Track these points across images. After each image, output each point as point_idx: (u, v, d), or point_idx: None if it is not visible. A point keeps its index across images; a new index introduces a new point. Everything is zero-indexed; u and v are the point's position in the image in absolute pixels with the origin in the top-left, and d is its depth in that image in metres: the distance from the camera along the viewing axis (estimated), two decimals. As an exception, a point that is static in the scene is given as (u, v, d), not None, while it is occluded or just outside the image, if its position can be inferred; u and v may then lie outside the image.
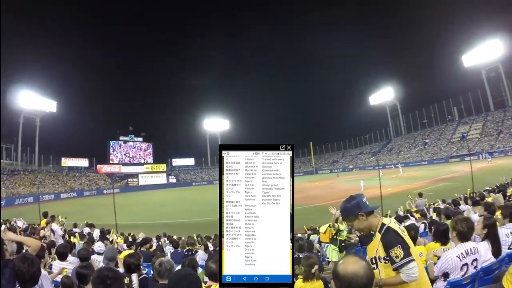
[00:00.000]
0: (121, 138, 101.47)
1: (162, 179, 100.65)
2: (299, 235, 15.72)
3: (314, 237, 14.55)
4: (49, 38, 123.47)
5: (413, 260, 3.18)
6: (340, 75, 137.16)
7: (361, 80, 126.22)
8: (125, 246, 12.86)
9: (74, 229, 17.81)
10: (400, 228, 3.38)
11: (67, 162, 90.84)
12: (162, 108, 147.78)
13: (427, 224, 9.19)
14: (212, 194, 53.53)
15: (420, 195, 18.57)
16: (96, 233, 14.21)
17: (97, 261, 7.01)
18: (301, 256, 7.52)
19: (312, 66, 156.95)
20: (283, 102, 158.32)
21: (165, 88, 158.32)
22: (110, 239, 14.60)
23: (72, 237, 13.64)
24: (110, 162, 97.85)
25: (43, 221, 14.69)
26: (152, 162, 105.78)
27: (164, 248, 12.77)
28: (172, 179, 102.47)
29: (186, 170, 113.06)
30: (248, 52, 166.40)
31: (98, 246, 8.49)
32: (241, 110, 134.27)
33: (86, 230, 18.25)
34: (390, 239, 3.34)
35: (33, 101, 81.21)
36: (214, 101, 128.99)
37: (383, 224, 3.39)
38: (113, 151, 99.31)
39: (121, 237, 19.26)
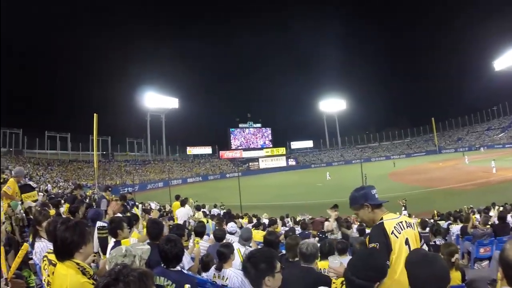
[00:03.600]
0: (240, 125, 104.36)
1: (281, 162, 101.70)
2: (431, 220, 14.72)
3: (442, 224, 13.46)
4: (166, 39, 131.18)
5: None
6: (460, 39, 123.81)
7: (484, 43, 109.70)
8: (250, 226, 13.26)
9: (202, 209, 18.68)
10: (398, 229, 3.19)
11: (192, 150, 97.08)
12: (278, 92, 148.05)
13: None
14: (331, 176, 53.29)
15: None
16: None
17: (231, 241, 7.33)
18: (437, 242, 7.22)
19: (428, 33, 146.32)
20: (401, 77, 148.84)
21: (279, 73, 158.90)
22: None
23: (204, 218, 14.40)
24: (232, 148, 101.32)
25: (175, 203, 15.67)
26: (271, 146, 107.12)
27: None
28: (292, 162, 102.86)
29: (305, 152, 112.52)
30: (365, 28, 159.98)
31: (231, 226, 8.87)
32: (358, 89, 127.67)
33: (215, 211, 19.08)
34: (373, 234, 3.33)
35: (157, 100, 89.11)
36: (330, 81, 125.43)
37: (381, 219, 3.29)
38: (234, 138, 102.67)
39: (246, 217, 19.92)
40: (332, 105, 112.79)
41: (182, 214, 13.92)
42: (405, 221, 3.29)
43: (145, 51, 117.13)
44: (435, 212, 17.73)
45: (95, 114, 48.57)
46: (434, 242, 7.38)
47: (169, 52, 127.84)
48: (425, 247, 3.50)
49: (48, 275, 3.22)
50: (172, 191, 30.33)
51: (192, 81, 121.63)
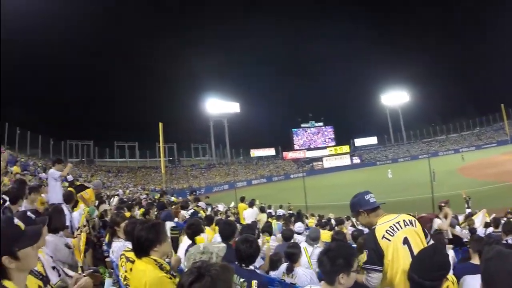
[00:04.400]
0: (302, 125, 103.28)
1: (346, 160, 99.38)
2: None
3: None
4: (224, 45, 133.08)
5: (375, 271, 3.24)
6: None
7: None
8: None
9: (269, 210, 18.81)
10: (390, 232, 3.26)
11: (255, 153, 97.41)
12: (338, 89, 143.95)
13: None
14: (396, 174, 51.96)
15: None
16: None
17: (299, 240, 7.34)
18: (510, 241, 6.82)
19: (491, 15, 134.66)
20: (466, 63, 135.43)
21: (338, 69, 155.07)
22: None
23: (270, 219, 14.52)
24: (295, 149, 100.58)
25: (241, 205, 15.91)
26: (334, 144, 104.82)
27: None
28: (356, 160, 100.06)
29: (369, 149, 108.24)
30: (425, 14, 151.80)
31: (298, 226, 8.92)
32: (420, 79, 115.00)
33: (280, 211, 19.13)
34: (365, 241, 3.55)
35: (219, 106, 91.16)
36: (391, 73, 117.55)
37: (376, 224, 3.39)
38: (296, 138, 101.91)
39: (312, 218, 19.84)
40: (395, 98, 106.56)
41: (249, 214, 14.14)
42: (404, 220, 3.36)
43: (205, 58, 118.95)
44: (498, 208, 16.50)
45: (160, 123, 50.41)
46: (506, 241, 6.95)
47: (227, 57, 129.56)
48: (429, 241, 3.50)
49: (126, 271, 3.67)
50: (238, 193, 30.73)
51: (252, 84, 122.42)
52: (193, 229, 5.16)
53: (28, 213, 2.71)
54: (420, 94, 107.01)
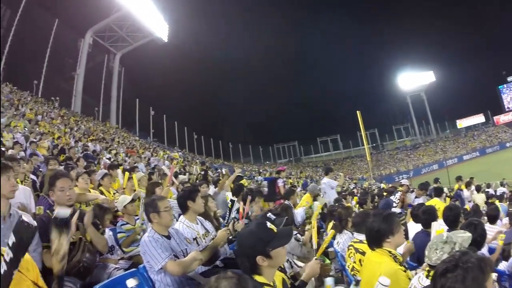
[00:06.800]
0: (509, 79, 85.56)
1: None
2: None
3: None
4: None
5: None
6: None
7: None
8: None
9: (487, 189, 17.59)
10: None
11: (462, 123, 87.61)
12: None
13: None
14: None
15: None
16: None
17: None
18: None
19: None
20: None
21: None
22: None
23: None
24: (506, 110, 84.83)
25: (456, 185, 15.11)
26: None
27: None
28: None
29: None
30: None
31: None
32: None
33: (501, 190, 17.73)
34: None
35: (411, 79, 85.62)
36: None
37: None
38: (505, 96, 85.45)
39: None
40: None
41: (463, 197, 13.33)
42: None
43: (391, 32, 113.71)
44: None
45: (358, 112, 50.41)
46: None
47: (413, 23, 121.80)
48: None
49: (354, 262, 3.97)
50: (450, 172, 29.06)
51: (443, 46, 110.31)
52: (427, 216, 5.19)
53: (268, 214, 3.35)
54: None
